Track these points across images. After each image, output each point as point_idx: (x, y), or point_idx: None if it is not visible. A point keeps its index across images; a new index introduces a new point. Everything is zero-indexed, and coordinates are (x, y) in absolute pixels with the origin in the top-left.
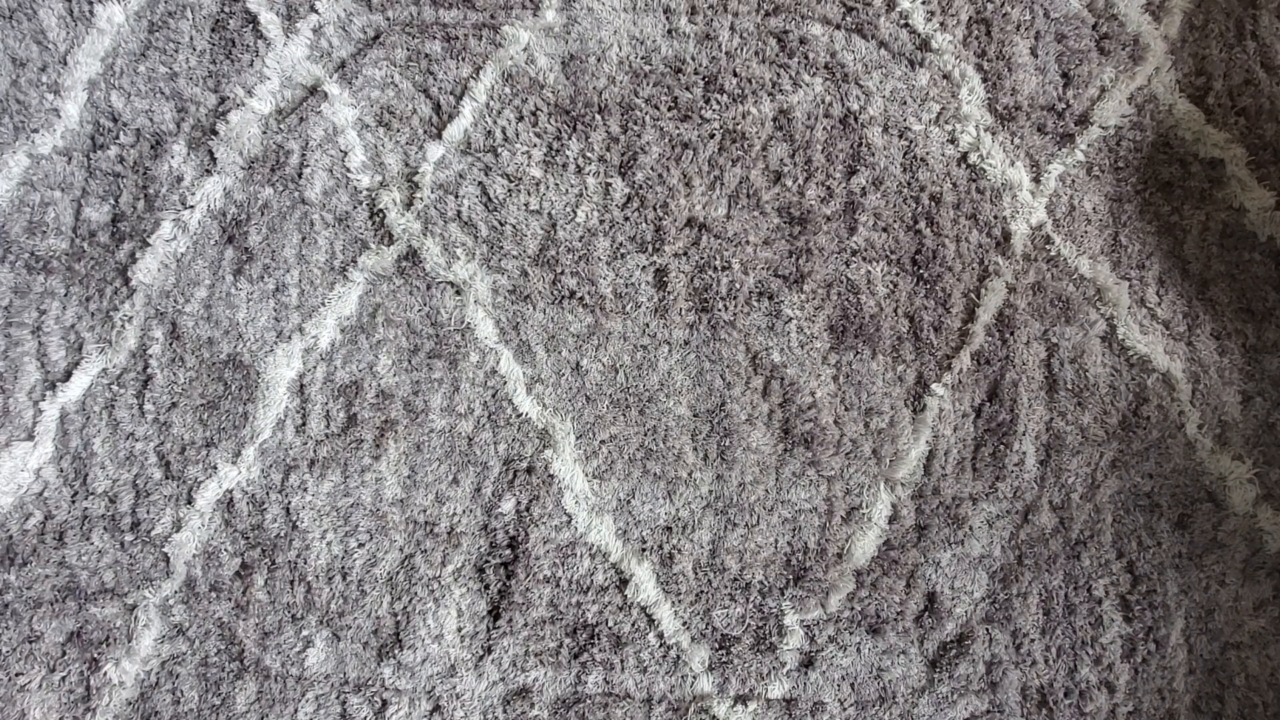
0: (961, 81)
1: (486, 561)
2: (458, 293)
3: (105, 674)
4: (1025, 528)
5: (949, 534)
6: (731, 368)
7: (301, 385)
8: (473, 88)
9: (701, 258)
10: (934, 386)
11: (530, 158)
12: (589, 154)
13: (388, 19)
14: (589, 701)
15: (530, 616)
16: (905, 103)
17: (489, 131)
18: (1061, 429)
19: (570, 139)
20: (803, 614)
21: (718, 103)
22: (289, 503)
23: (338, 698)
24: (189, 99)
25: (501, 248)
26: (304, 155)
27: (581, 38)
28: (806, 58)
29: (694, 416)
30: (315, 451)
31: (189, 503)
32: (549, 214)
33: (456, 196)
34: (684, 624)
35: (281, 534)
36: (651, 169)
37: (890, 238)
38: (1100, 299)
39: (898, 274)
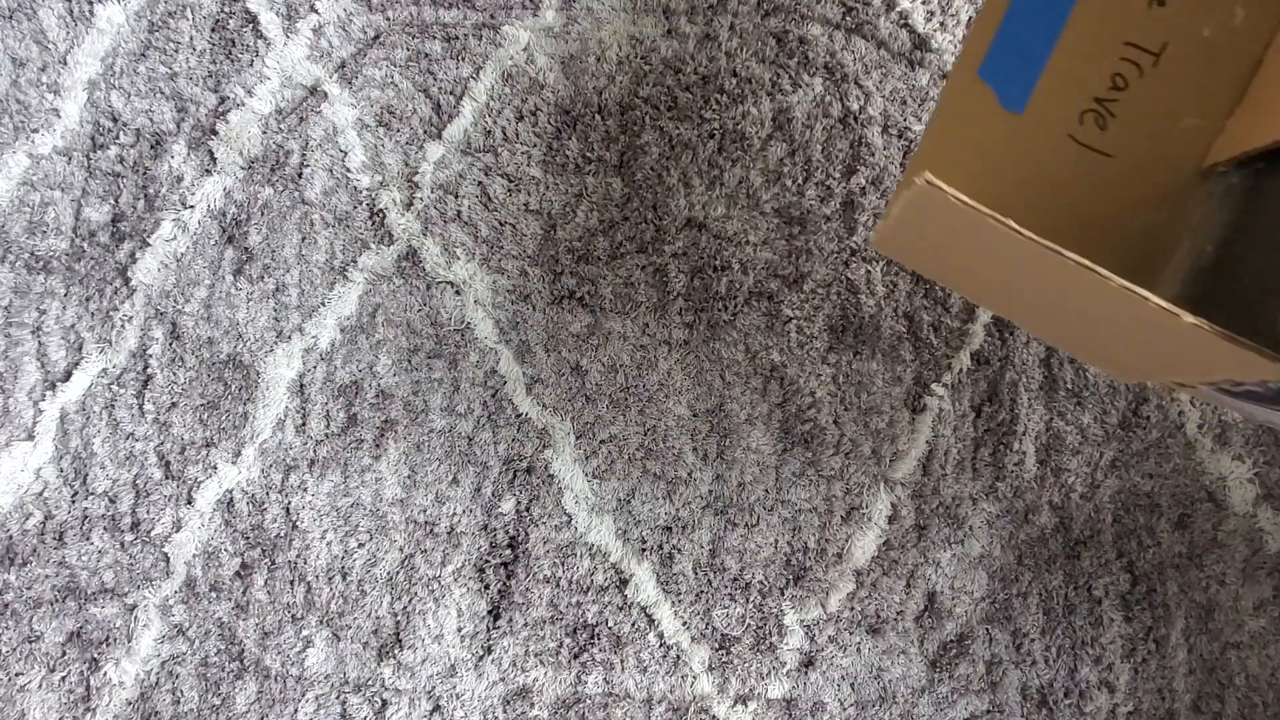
0: None
1: (486, 561)
2: (458, 293)
3: (105, 674)
4: (1025, 528)
5: (949, 534)
6: (731, 368)
7: (301, 385)
8: (473, 88)
9: (701, 258)
10: (934, 386)
11: (530, 157)
12: (589, 154)
13: (388, 19)
14: (589, 701)
15: (530, 616)
16: (905, 103)
17: (489, 131)
18: (1061, 429)
19: (570, 139)
20: (802, 614)
21: (717, 103)
22: (289, 503)
23: (338, 698)
24: (189, 99)
25: (501, 248)
26: (304, 155)
27: (581, 38)
28: (806, 58)
29: (694, 416)
30: (315, 451)
31: (189, 503)
32: (549, 214)
33: (456, 196)
34: (684, 624)
35: (281, 534)
36: (651, 169)
37: None
38: None
39: (897, 274)
